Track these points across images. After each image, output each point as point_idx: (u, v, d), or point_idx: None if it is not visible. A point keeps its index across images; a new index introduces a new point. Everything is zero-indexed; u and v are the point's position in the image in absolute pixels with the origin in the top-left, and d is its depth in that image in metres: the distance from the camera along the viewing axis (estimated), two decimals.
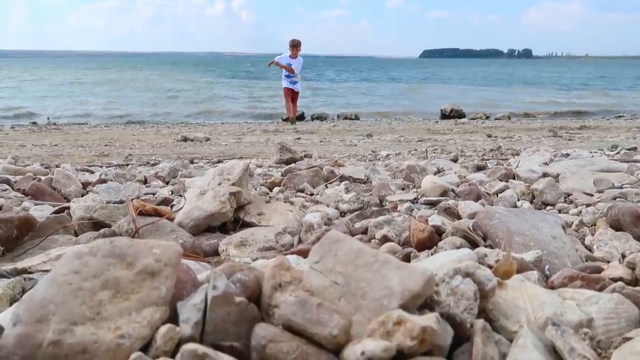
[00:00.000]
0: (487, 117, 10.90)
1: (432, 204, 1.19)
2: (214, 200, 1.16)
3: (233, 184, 1.19)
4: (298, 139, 5.80)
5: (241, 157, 4.39)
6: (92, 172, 2.65)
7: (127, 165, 2.85)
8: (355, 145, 5.22)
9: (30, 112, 11.47)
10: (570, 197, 1.45)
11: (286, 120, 9.73)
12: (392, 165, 1.92)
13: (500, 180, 1.92)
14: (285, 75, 9.86)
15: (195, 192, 1.20)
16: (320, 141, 5.53)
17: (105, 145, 5.39)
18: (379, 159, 3.00)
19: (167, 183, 2.08)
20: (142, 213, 1.09)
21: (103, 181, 1.65)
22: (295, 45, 9.92)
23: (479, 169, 2.18)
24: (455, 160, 2.43)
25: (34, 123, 9.65)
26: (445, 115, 11.02)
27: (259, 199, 1.29)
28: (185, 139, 5.72)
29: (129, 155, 4.45)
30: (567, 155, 3.41)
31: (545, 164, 2.35)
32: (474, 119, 10.70)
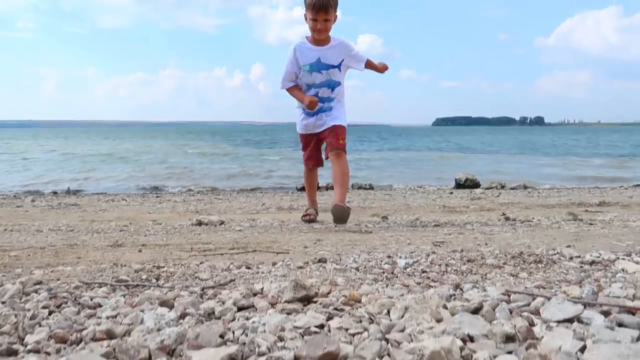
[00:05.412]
0: (502, 187, 10.84)
1: None
2: None
3: None
4: (319, 240, 5.74)
5: (255, 250, 4.33)
6: (101, 306, 2.38)
7: (138, 285, 2.79)
8: (371, 232, 5.17)
9: (53, 182, 11.78)
10: None
11: (305, 218, 5.43)
12: (415, 347, 1.79)
13: None
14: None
15: None
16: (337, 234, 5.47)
17: (121, 231, 5.42)
18: (397, 276, 2.93)
19: (172, 353, 1.86)
20: None
21: None
22: (322, 6, 4.12)
23: (509, 339, 2.02)
24: (477, 311, 2.22)
25: (55, 193, 9.86)
26: (459, 185, 10.99)
27: None
28: (200, 223, 5.74)
29: (142, 265, 4.42)
30: (595, 295, 3.26)
31: (577, 319, 2.08)
32: (488, 188, 10.64)
